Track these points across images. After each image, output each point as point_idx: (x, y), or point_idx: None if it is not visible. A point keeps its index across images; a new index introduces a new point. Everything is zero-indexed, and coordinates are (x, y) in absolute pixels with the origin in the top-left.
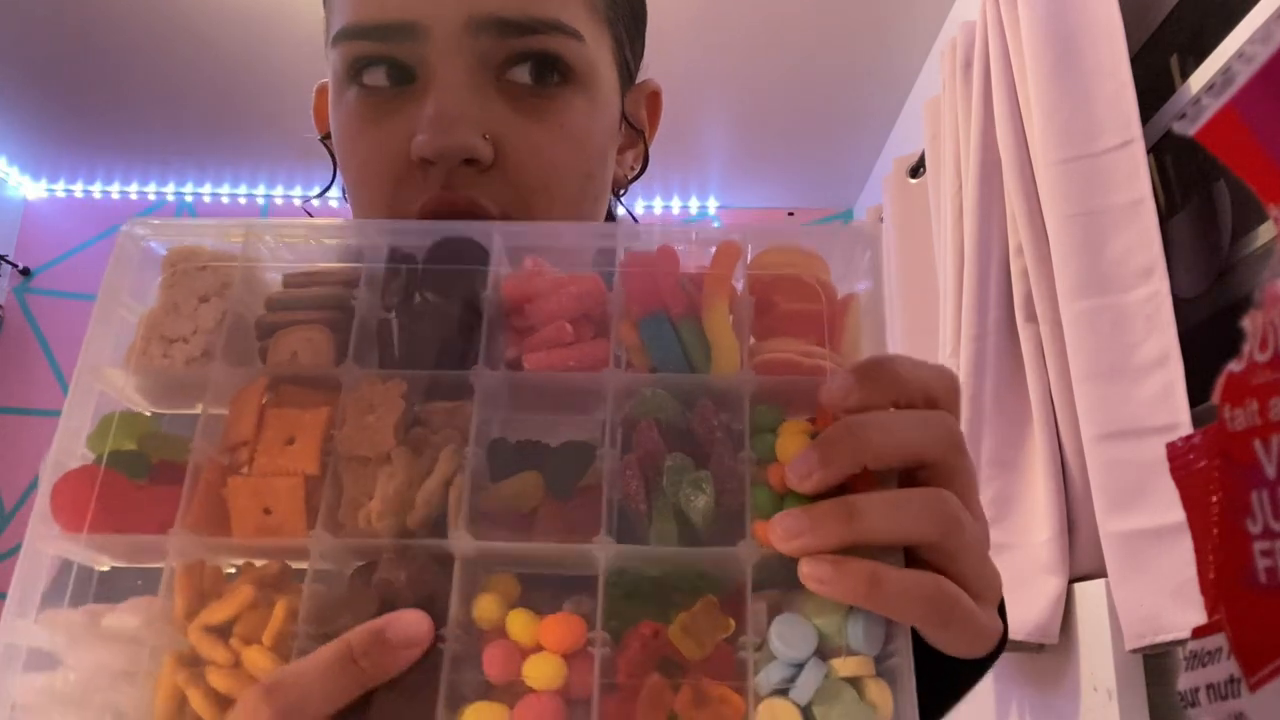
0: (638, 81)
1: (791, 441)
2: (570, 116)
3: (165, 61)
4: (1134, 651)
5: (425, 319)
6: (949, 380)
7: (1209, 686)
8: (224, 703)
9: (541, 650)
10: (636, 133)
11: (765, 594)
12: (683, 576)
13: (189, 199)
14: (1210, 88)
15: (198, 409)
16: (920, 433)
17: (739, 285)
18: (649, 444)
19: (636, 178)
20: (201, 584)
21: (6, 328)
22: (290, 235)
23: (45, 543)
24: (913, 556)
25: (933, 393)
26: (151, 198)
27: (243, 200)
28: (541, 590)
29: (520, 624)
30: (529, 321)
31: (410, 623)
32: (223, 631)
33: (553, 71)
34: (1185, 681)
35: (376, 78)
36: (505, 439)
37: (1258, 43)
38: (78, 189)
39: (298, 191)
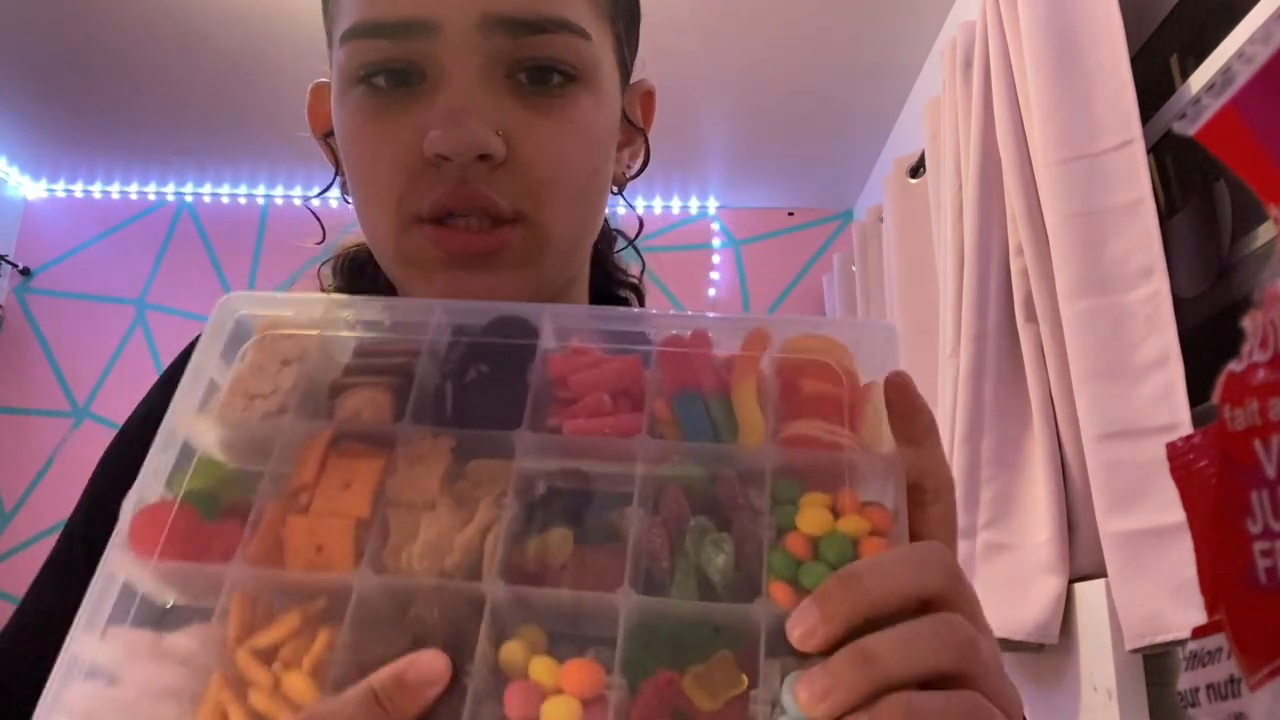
0: (633, 81)
1: (811, 512)
2: (578, 113)
3: (165, 61)
4: (1134, 651)
5: (477, 387)
6: (926, 559)
7: (1209, 686)
8: None
9: (560, 693)
10: (635, 130)
11: (781, 659)
12: (699, 631)
13: (189, 199)
14: (1210, 88)
15: (268, 460)
16: (915, 572)
17: (766, 368)
18: (675, 507)
19: (636, 175)
20: (254, 612)
21: (6, 328)
22: (365, 311)
23: (119, 569)
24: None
25: (913, 586)
26: (151, 198)
27: (243, 200)
28: (566, 645)
29: (542, 668)
30: (572, 394)
31: (427, 663)
32: (268, 655)
33: (562, 70)
34: (1185, 681)
35: (387, 77)
36: (541, 486)
37: (1258, 43)
38: (78, 189)
39: (298, 191)
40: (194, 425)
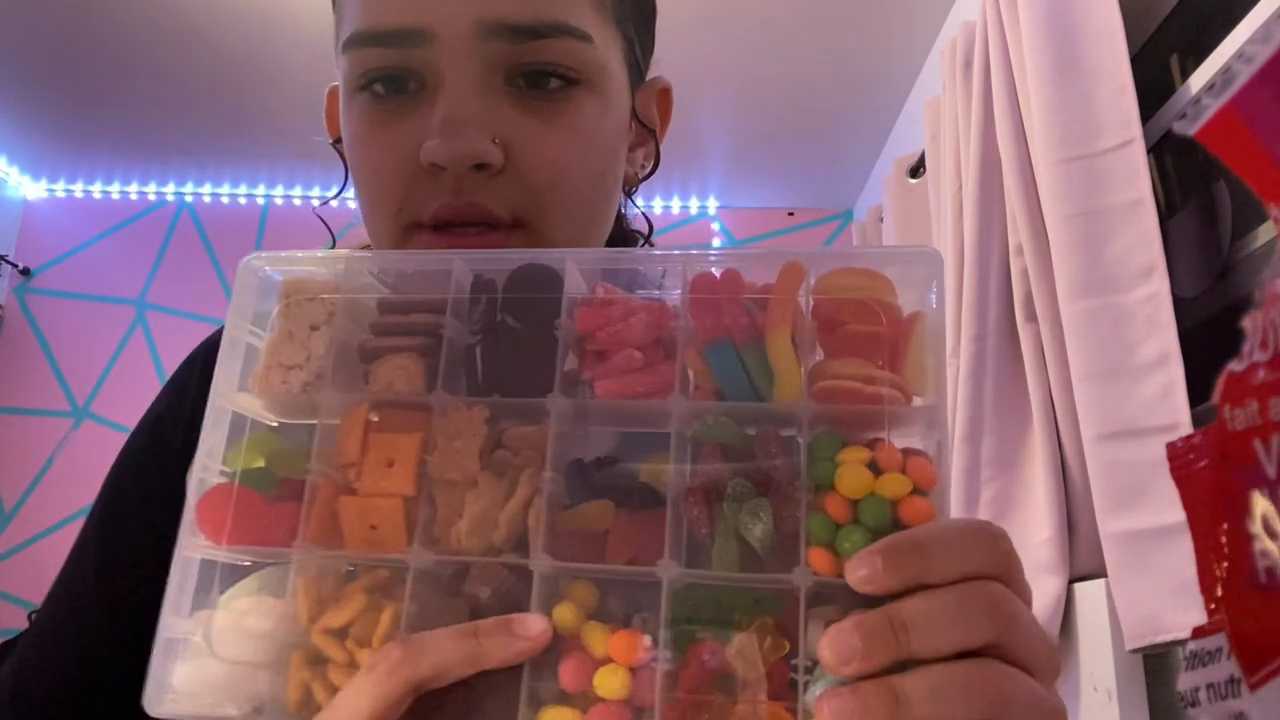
0: (648, 79)
1: (850, 471)
2: (580, 117)
3: (165, 61)
4: (1134, 651)
5: (506, 345)
6: (988, 541)
7: (1209, 686)
8: None
9: (610, 662)
10: (647, 131)
11: (823, 610)
12: (741, 598)
13: (189, 199)
14: (1210, 88)
15: (313, 420)
16: (965, 626)
17: (805, 299)
18: (712, 470)
19: (648, 176)
20: (321, 590)
21: (6, 328)
22: (386, 264)
23: (193, 551)
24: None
25: (970, 566)
26: (151, 198)
27: (243, 200)
28: (616, 595)
29: (594, 637)
30: (601, 346)
31: (534, 620)
32: (340, 634)
33: (561, 74)
34: (1185, 681)
35: (386, 84)
36: (581, 461)
37: (1258, 43)
38: (78, 189)
39: (298, 191)
40: (238, 401)
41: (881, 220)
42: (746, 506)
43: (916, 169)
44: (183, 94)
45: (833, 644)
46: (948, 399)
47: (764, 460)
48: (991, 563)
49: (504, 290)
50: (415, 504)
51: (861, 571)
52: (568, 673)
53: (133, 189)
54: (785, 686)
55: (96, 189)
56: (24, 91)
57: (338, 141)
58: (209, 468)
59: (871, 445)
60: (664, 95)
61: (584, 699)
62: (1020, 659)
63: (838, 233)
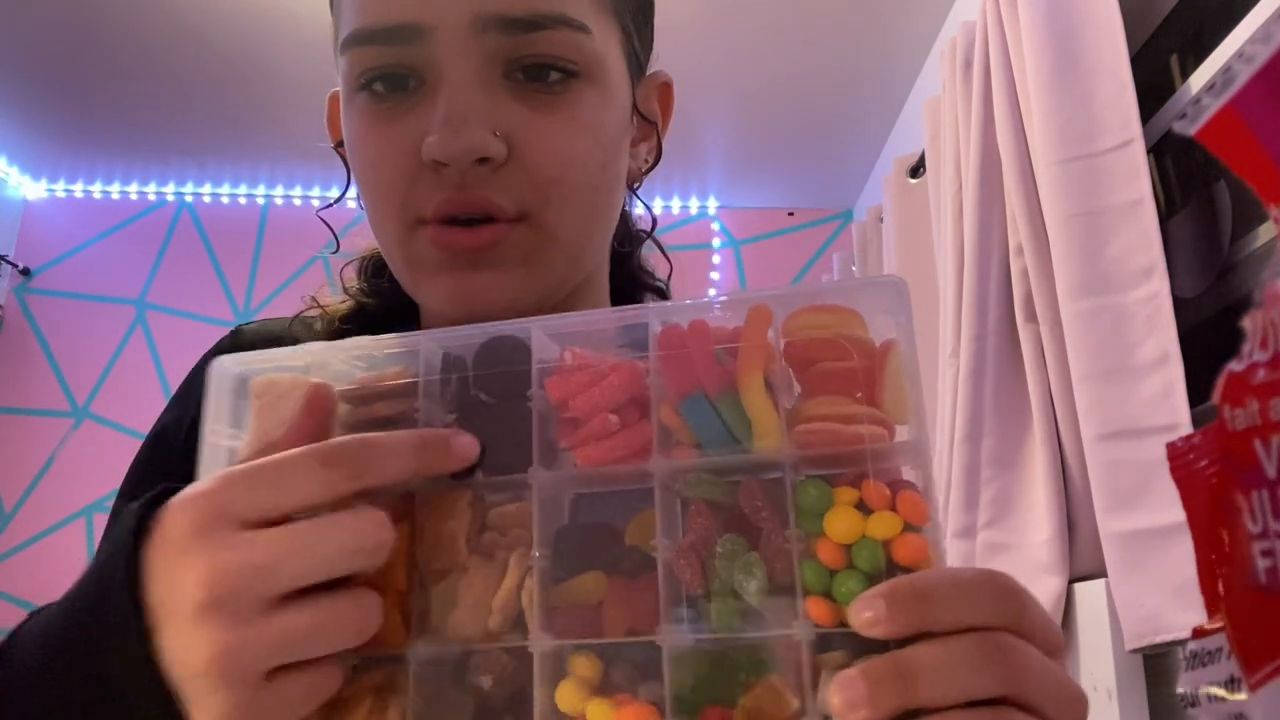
0: (648, 73)
1: (839, 516)
2: (581, 109)
3: (165, 61)
4: (1134, 651)
5: (482, 422)
6: (998, 593)
7: (1209, 686)
8: None
9: None
10: (649, 124)
11: (830, 657)
12: (745, 657)
13: (189, 199)
14: (1210, 88)
15: None
16: (975, 678)
17: (775, 341)
18: (700, 529)
19: (650, 170)
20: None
21: (6, 328)
22: (355, 352)
23: None
24: None
25: (979, 616)
26: (151, 198)
27: (243, 200)
28: (619, 666)
29: (599, 715)
30: (575, 414)
31: (466, 442)
32: None
33: (560, 66)
34: (1185, 681)
35: (386, 82)
36: (571, 528)
37: (1258, 43)
38: (78, 189)
39: (298, 192)
40: None
41: (881, 220)
42: (739, 563)
43: (916, 169)
44: (183, 94)
45: (840, 690)
46: (929, 426)
47: (751, 512)
48: (1002, 615)
49: (473, 366)
50: (409, 597)
51: (867, 614)
52: None
53: (133, 189)
54: None
55: (96, 189)
56: (24, 91)
57: (339, 145)
58: None
59: (857, 482)
60: (665, 89)
61: None
62: (1038, 709)
63: (838, 233)
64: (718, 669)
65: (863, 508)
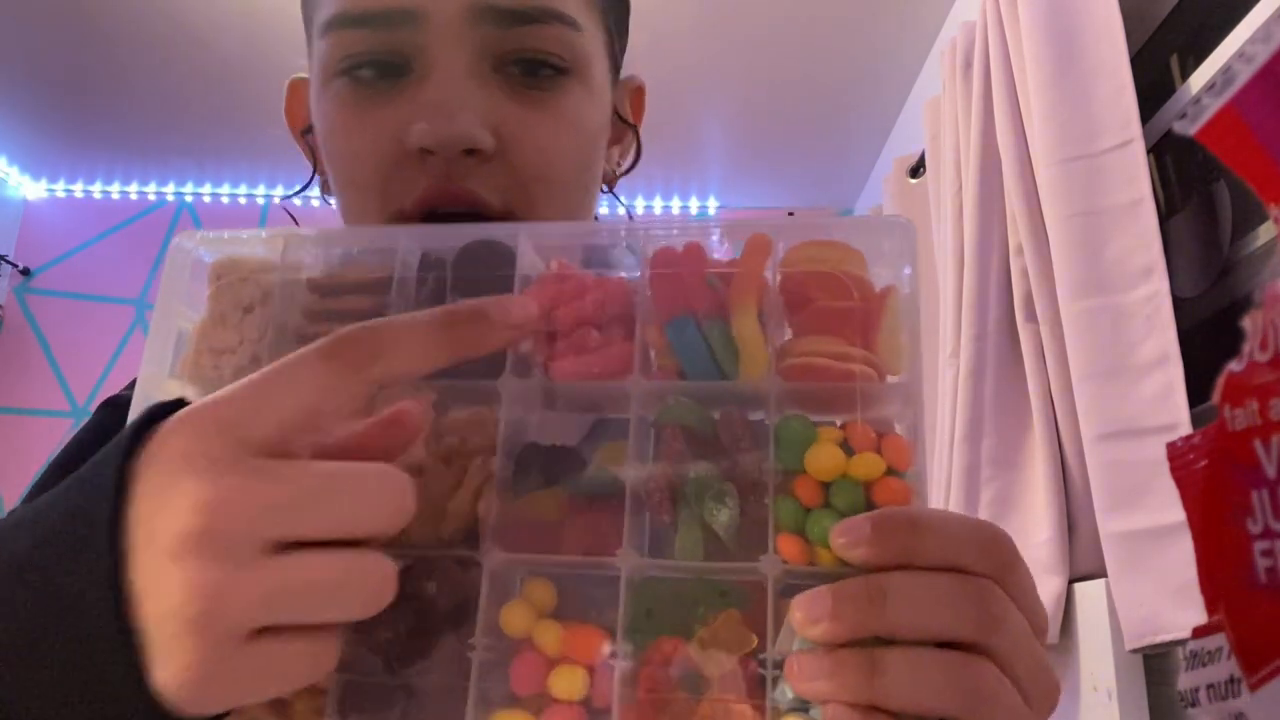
0: (622, 77)
1: (820, 451)
2: (568, 107)
3: (165, 61)
4: (1134, 651)
5: None
6: (987, 541)
7: (1209, 686)
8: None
9: (566, 662)
10: (626, 126)
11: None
12: (706, 591)
13: (189, 199)
14: (1210, 88)
15: None
16: (948, 615)
17: (772, 272)
18: (673, 454)
19: (627, 172)
20: None
21: (6, 328)
22: (328, 242)
23: None
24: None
25: (965, 558)
26: (151, 198)
27: (243, 200)
28: (577, 593)
29: (547, 636)
30: (555, 326)
31: (517, 304)
32: None
33: (553, 62)
34: (1185, 681)
35: (371, 68)
36: (536, 445)
37: (1258, 43)
38: (78, 189)
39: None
40: (167, 388)
41: None
42: (711, 493)
43: (916, 169)
44: (182, 94)
45: (804, 603)
46: (923, 374)
47: (729, 443)
48: (989, 562)
49: (453, 268)
50: None
51: (844, 538)
52: (519, 674)
53: (133, 189)
54: (753, 684)
55: (96, 189)
56: (24, 91)
57: (305, 132)
58: None
59: (843, 426)
60: (638, 94)
61: (537, 701)
62: (1009, 670)
63: None
64: (677, 599)
65: (846, 448)
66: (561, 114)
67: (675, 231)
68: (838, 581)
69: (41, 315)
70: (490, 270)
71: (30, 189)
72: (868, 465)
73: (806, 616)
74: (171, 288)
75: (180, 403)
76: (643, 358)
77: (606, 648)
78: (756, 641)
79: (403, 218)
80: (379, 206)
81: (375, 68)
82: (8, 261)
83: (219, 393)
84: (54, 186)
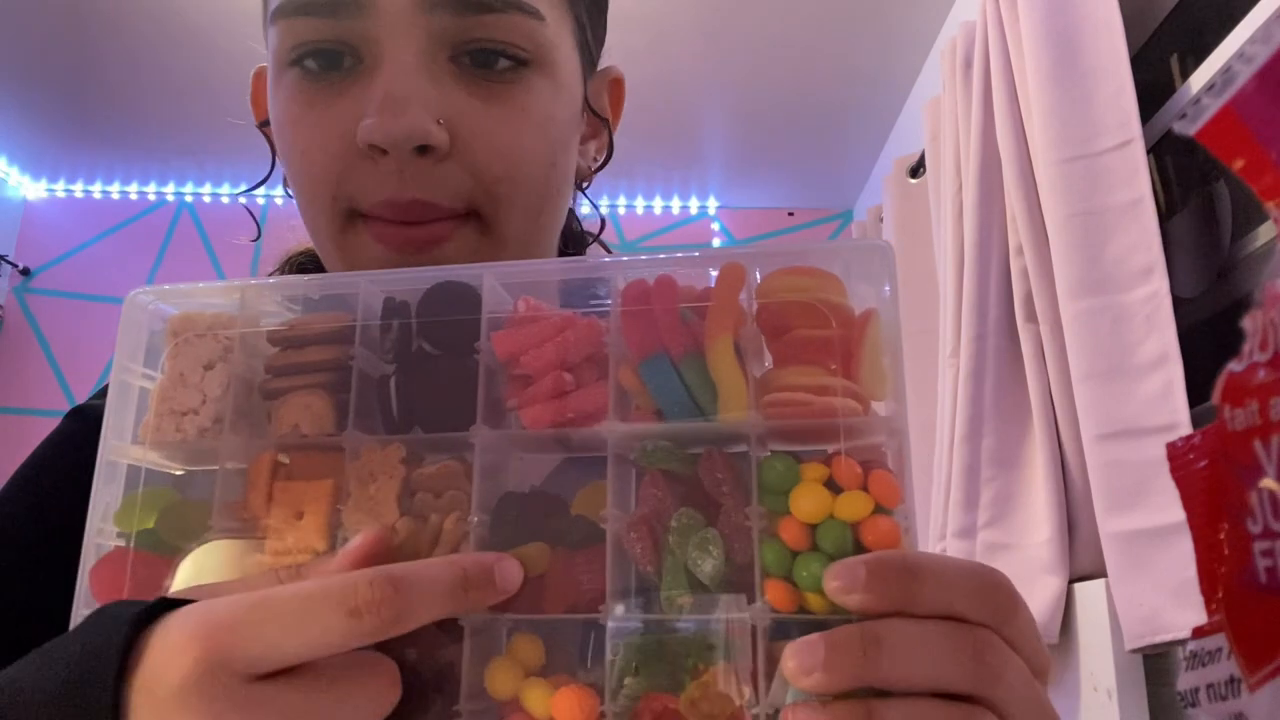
0: (600, 68)
1: (806, 493)
2: (531, 100)
3: (165, 62)
4: (1134, 651)
5: (423, 374)
6: (985, 587)
7: (1209, 686)
8: None
9: None
10: (600, 121)
11: (785, 644)
12: (695, 642)
13: (189, 199)
14: (1210, 88)
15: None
16: (944, 667)
17: (748, 303)
18: (654, 500)
19: (600, 168)
20: None
21: (6, 328)
22: (288, 291)
23: None
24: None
25: (961, 607)
26: (151, 198)
27: (243, 200)
28: (559, 646)
29: (534, 695)
30: (526, 371)
31: (512, 573)
32: None
33: (511, 53)
34: (1185, 681)
35: (320, 59)
36: (515, 495)
37: (1258, 43)
38: (78, 189)
39: None
40: (131, 453)
41: (881, 220)
42: (694, 539)
43: (916, 169)
44: (183, 94)
45: (797, 652)
46: (907, 402)
47: (711, 485)
48: (987, 610)
49: (418, 313)
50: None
51: (838, 581)
52: None
53: (133, 189)
54: None
55: (96, 189)
56: (24, 91)
57: (265, 125)
58: (103, 531)
59: (828, 460)
60: (616, 85)
61: None
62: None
63: (838, 233)
64: (665, 653)
65: (832, 486)
66: (522, 108)
67: (644, 264)
68: (830, 630)
69: (41, 315)
70: (456, 313)
71: (30, 189)
72: (855, 505)
73: (799, 667)
74: (128, 347)
75: (171, 603)
76: (618, 398)
77: (597, 708)
78: (749, 694)
79: (358, 218)
80: (332, 206)
81: (324, 58)
82: (8, 261)
83: (223, 607)
84: (54, 186)
